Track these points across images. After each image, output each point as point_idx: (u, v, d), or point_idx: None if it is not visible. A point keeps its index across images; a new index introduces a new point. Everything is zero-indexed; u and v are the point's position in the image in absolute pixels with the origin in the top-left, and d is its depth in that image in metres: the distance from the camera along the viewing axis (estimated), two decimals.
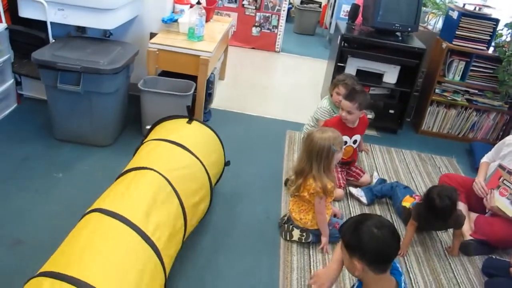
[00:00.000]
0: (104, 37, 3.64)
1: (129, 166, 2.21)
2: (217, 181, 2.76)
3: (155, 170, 2.09)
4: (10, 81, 3.45)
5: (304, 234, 2.55)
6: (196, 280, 2.21)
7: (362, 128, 3.15)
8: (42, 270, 1.57)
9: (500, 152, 2.93)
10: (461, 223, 2.64)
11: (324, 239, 2.53)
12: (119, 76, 3.02)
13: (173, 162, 2.26)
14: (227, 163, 2.77)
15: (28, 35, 3.45)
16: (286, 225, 2.59)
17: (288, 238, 2.56)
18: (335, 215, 2.75)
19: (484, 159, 3.07)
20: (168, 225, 1.95)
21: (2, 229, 2.35)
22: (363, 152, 3.60)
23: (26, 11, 3.23)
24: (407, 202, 2.82)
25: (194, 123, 2.60)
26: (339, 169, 3.08)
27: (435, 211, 2.52)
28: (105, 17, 3.21)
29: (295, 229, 2.56)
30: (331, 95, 3.22)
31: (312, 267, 2.41)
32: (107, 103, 3.06)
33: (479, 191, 2.88)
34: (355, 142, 3.11)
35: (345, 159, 3.09)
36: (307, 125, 3.41)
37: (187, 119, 2.60)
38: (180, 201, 2.08)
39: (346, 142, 3.05)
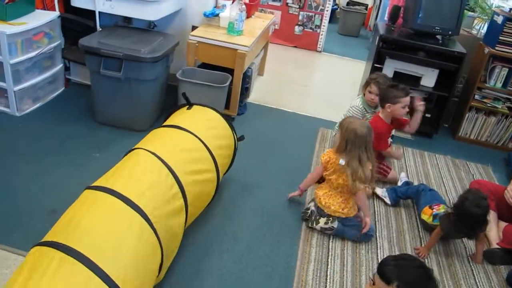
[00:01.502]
0: (148, 28, 3.79)
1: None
2: (232, 161, 2.77)
3: (145, 149, 2.14)
4: (59, 66, 3.66)
5: (331, 218, 2.59)
6: (215, 264, 2.31)
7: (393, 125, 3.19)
8: (44, 239, 1.65)
9: None
10: (484, 227, 2.60)
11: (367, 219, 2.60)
12: (158, 64, 3.16)
13: (167, 140, 2.31)
14: (240, 138, 2.79)
15: (78, 23, 3.65)
16: (312, 217, 2.66)
17: (314, 225, 2.61)
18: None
19: None
20: (161, 197, 1.96)
21: (42, 198, 2.55)
22: None
23: (77, 1, 3.45)
24: (426, 214, 2.79)
25: (195, 107, 2.65)
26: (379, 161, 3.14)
27: (470, 223, 2.50)
28: (150, 8, 3.35)
29: (321, 218, 2.61)
30: (364, 94, 3.24)
31: (329, 260, 2.45)
32: (145, 90, 3.20)
33: (510, 199, 2.84)
34: (392, 137, 3.23)
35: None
36: (339, 124, 3.44)
37: (186, 106, 2.65)
38: (175, 176, 2.08)
39: (393, 136, 3.24)
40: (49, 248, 1.56)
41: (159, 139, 2.32)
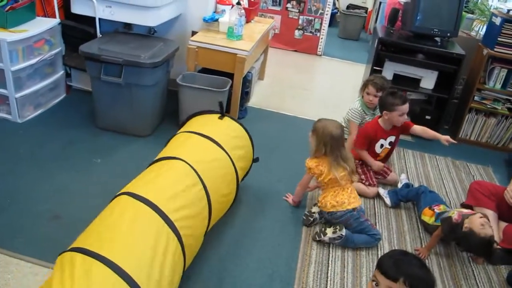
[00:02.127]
0: (149, 34, 3.82)
1: (160, 155, 2.34)
2: (245, 176, 2.85)
3: (184, 161, 2.19)
4: (61, 73, 3.69)
5: (338, 226, 2.59)
6: (216, 266, 2.32)
7: (397, 129, 3.17)
8: (74, 245, 1.69)
9: None
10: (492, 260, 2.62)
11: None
12: (159, 70, 3.18)
13: (202, 154, 2.36)
14: (255, 160, 2.85)
15: (78, 30, 3.69)
16: (318, 227, 2.68)
17: (322, 237, 2.59)
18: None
19: None
20: (193, 215, 2.04)
21: (44, 203, 2.56)
22: (394, 154, 3.60)
23: (77, 8, 3.47)
24: (426, 215, 2.80)
25: (226, 118, 2.70)
26: (368, 167, 3.14)
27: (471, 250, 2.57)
28: (149, 14, 3.38)
29: (328, 228, 2.61)
30: (362, 97, 3.25)
31: (330, 261, 2.46)
32: (146, 95, 3.22)
33: (510, 200, 2.84)
34: (390, 143, 3.18)
35: (380, 159, 3.22)
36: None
37: (219, 115, 2.70)
38: (206, 192, 2.17)
39: (382, 145, 3.14)
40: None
41: (193, 149, 2.38)
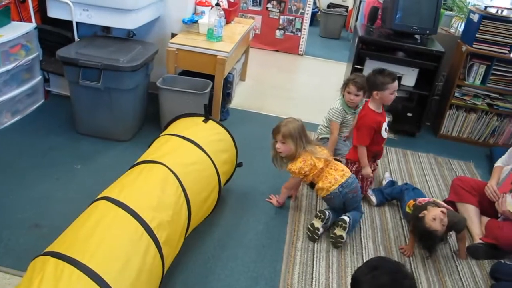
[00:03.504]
0: (128, 37, 3.78)
1: (140, 159, 2.31)
2: (228, 180, 2.84)
3: (163, 164, 2.17)
4: (38, 78, 3.63)
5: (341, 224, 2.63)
6: (201, 270, 2.29)
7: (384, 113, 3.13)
8: (48, 249, 1.67)
9: None
10: (460, 228, 2.61)
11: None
12: (138, 73, 3.15)
13: (183, 157, 2.34)
14: (239, 164, 2.84)
15: (56, 34, 3.63)
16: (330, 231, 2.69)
17: (339, 241, 2.61)
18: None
19: (498, 163, 3.05)
20: (172, 219, 2.00)
21: (24, 212, 2.51)
22: None
23: (54, 12, 3.41)
24: (410, 207, 2.82)
25: (210, 122, 2.68)
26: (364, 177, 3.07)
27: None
28: (128, 17, 3.34)
29: (336, 227, 2.62)
30: (343, 96, 3.25)
31: (315, 262, 2.45)
32: (126, 99, 3.19)
33: (490, 195, 2.87)
34: (385, 130, 3.08)
35: (379, 149, 3.12)
36: (321, 126, 3.45)
37: (203, 118, 2.68)
38: (186, 197, 2.15)
39: (386, 129, 3.07)
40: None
41: (173, 152, 2.36)
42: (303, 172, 2.66)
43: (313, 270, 2.39)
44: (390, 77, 2.95)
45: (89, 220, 1.81)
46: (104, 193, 1.99)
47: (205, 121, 2.67)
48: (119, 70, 3.01)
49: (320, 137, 3.40)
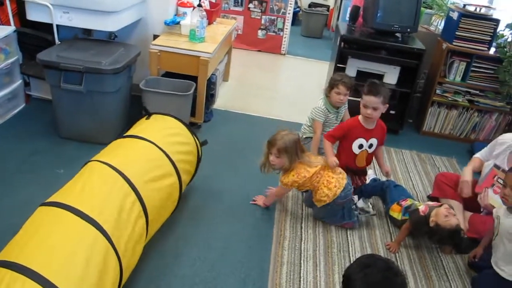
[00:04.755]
0: (109, 39, 3.75)
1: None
2: (197, 166, 2.75)
3: (109, 164, 2.12)
4: (18, 82, 3.58)
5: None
6: (188, 273, 2.29)
7: (380, 132, 3.00)
8: None
9: (493, 151, 2.94)
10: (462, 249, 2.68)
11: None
12: (121, 76, 3.12)
13: (131, 156, 2.30)
14: (203, 143, 2.81)
15: (35, 37, 3.57)
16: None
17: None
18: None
19: (477, 155, 3.10)
20: (119, 216, 1.94)
21: (8, 218, 2.46)
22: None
23: (33, 15, 3.36)
24: (395, 211, 2.84)
25: (154, 116, 2.68)
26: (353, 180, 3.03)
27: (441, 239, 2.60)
28: (109, 19, 3.31)
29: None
30: (327, 96, 3.26)
31: (302, 261, 2.46)
32: (109, 102, 3.16)
33: (461, 184, 2.94)
34: (371, 146, 2.95)
35: (359, 167, 3.02)
36: (304, 125, 3.47)
37: (145, 116, 2.68)
38: (134, 189, 2.07)
39: (362, 146, 2.93)
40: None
41: (115, 150, 2.32)
42: (296, 185, 2.69)
43: (300, 269, 2.40)
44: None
45: (30, 226, 1.80)
46: (53, 198, 1.96)
47: (147, 118, 2.66)
48: (101, 73, 2.99)
49: (303, 136, 3.41)
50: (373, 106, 2.80)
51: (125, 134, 2.50)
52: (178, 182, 2.42)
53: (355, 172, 3.02)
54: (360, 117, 2.95)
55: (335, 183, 2.67)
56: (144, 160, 2.30)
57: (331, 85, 3.24)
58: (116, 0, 3.25)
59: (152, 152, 2.36)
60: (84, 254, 1.68)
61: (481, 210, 2.93)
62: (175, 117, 2.69)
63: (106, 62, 3.04)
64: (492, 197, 2.80)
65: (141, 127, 2.57)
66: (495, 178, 2.82)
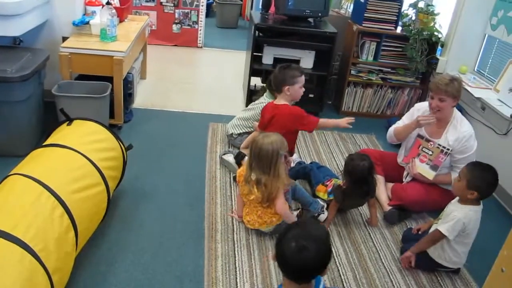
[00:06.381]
0: (14, 45, 3.54)
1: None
2: (123, 171, 2.69)
3: (22, 174, 2.03)
4: None
5: None
6: (124, 276, 2.24)
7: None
8: None
9: (412, 118, 3.07)
10: (373, 192, 2.77)
11: None
12: (30, 83, 2.97)
13: (47, 162, 2.21)
14: (128, 147, 2.74)
15: None
16: None
17: None
18: None
19: (395, 125, 3.23)
20: (44, 225, 1.86)
21: None
22: None
23: None
24: (321, 191, 2.93)
25: (75, 122, 2.57)
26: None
27: (361, 179, 2.67)
28: (11, 23, 3.10)
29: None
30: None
31: (236, 252, 2.48)
32: (19, 112, 2.99)
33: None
34: None
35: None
36: (236, 121, 3.47)
37: (67, 122, 2.57)
38: (58, 199, 1.98)
39: None
40: None
41: (36, 161, 2.20)
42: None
43: (235, 260, 2.42)
44: (298, 70, 3.02)
45: None
46: None
47: (69, 124, 2.55)
48: (7, 81, 2.82)
49: (237, 132, 3.42)
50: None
51: (44, 144, 2.38)
52: (105, 190, 2.35)
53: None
54: (284, 101, 3.07)
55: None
56: (68, 169, 2.20)
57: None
58: (18, 3, 3.06)
59: (77, 160, 2.26)
60: (10, 276, 1.59)
61: (403, 180, 3.10)
62: (98, 122, 2.60)
63: (13, 69, 2.87)
64: (419, 166, 2.97)
65: (61, 133, 2.46)
66: (420, 148, 2.97)
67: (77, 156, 2.27)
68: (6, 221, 1.76)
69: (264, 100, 3.37)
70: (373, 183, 2.73)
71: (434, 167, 2.90)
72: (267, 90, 3.43)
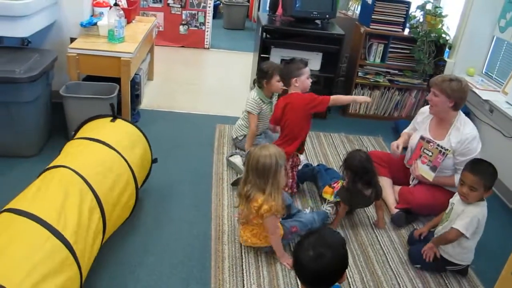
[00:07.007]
0: (22, 46, 3.56)
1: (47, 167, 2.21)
2: (146, 178, 2.78)
3: (68, 167, 2.10)
4: None
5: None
6: (128, 280, 2.23)
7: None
8: None
9: (415, 122, 3.11)
10: (379, 194, 2.76)
11: (282, 260, 2.44)
12: (38, 84, 2.98)
13: (90, 158, 2.28)
14: (154, 160, 2.80)
15: None
16: None
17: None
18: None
19: (405, 130, 3.25)
20: (80, 220, 1.94)
21: None
22: None
23: None
24: (327, 193, 2.91)
25: (118, 121, 2.63)
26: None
27: (361, 173, 2.66)
28: (19, 24, 3.12)
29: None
30: (262, 87, 3.26)
31: (243, 254, 2.47)
32: (27, 112, 3.00)
33: (393, 147, 3.06)
34: None
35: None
36: (239, 123, 3.48)
37: (111, 118, 2.62)
38: (95, 196, 2.08)
39: None
40: None
41: (81, 155, 2.30)
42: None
43: (242, 262, 2.42)
44: (302, 62, 3.03)
45: None
46: (8, 205, 1.91)
47: (113, 120, 2.60)
48: (16, 82, 2.83)
49: (240, 134, 3.43)
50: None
51: (91, 137, 2.42)
52: (134, 203, 2.50)
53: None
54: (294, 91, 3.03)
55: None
56: (113, 174, 2.29)
57: (270, 75, 3.24)
58: (25, 4, 3.08)
59: (122, 168, 2.38)
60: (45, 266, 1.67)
61: (410, 183, 3.08)
62: (137, 127, 2.70)
63: (21, 70, 2.89)
64: (421, 168, 2.95)
65: (106, 130, 2.54)
66: (421, 150, 2.96)
67: (122, 162, 2.39)
68: (45, 210, 1.85)
69: (253, 95, 3.36)
70: (375, 177, 2.73)
71: (433, 168, 2.88)
72: (255, 86, 3.41)
